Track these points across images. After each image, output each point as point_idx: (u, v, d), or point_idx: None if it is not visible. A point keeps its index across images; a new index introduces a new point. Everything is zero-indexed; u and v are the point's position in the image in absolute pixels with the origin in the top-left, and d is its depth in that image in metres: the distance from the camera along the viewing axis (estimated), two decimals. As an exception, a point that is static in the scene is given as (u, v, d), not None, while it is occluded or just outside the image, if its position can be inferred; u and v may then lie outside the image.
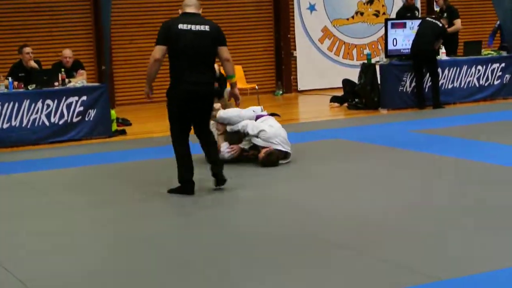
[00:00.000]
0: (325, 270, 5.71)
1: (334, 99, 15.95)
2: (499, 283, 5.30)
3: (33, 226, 7.44)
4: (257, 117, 10.15)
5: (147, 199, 8.39)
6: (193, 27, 8.27)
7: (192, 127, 8.54)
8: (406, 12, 16.70)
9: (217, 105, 10.55)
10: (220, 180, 8.51)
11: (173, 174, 9.51)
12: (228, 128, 10.07)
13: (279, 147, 9.74)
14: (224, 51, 8.38)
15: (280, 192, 8.49)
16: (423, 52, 14.65)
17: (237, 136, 10.05)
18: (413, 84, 14.98)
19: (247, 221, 7.24)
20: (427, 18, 15.15)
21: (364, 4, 19.72)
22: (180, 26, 8.28)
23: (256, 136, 9.77)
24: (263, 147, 9.71)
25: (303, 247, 6.32)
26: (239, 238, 6.67)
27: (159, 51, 8.44)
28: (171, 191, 8.46)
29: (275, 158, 9.70)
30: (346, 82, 15.80)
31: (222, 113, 10.09)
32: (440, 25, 14.83)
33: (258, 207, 7.79)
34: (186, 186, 8.41)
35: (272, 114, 10.42)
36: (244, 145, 9.98)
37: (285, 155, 9.85)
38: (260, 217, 7.34)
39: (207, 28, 8.32)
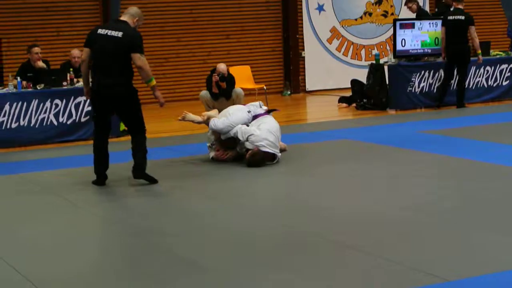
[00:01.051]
0: (332, 269, 5.71)
1: (342, 100, 15.94)
2: (507, 284, 5.28)
3: (41, 225, 7.46)
4: (255, 117, 10.20)
5: (154, 199, 8.40)
6: (109, 33, 8.88)
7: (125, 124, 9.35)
8: (445, 9, 16.45)
9: (208, 113, 10.62)
10: (148, 180, 9.02)
11: (180, 174, 9.54)
12: (222, 136, 10.15)
13: (266, 149, 9.78)
14: (136, 58, 8.82)
15: (287, 191, 8.49)
16: (457, 52, 14.65)
17: (233, 140, 10.07)
18: (422, 84, 14.97)
19: (253, 220, 7.24)
20: (449, 17, 15.05)
21: (372, 4, 19.69)
22: (99, 31, 8.99)
23: (246, 140, 9.86)
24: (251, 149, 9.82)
25: (309, 247, 6.31)
26: (245, 238, 6.67)
27: (84, 52, 9.09)
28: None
29: (259, 158, 9.75)
30: (355, 83, 15.79)
31: (212, 124, 10.13)
32: (463, 17, 14.78)
33: (264, 207, 7.79)
34: (97, 179, 9.08)
35: (271, 110, 10.41)
36: (240, 149, 10.03)
37: (272, 156, 9.87)
38: (266, 217, 7.33)
39: (119, 34, 8.85)
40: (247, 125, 10.06)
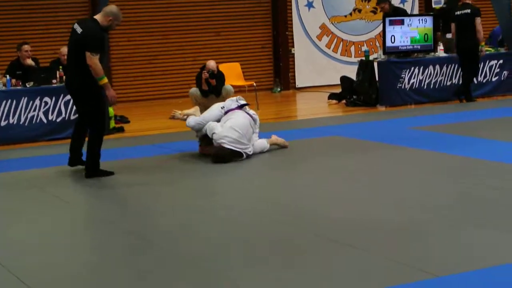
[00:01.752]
0: (326, 267, 5.70)
1: (332, 96, 15.95)
2: (500, 278, 5.29)
3: (32, 223, 7.44)
4: (227, 112, 10.32)
5: (146, 196, 8.39)
6: (76, 28, 9.26)
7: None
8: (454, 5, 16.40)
9: (187, 111, 10.68)
10: (102, 176, 9.37)
11: (170, 170, 9.53)
12: (198, 134, 10.36)
13: (228, 147, 9.85)
14: (86, 56, 9.01)
15: (278, 189, 8.48)
16: (466, 47, 14.74)
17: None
18: (412, 81, 15.00)
19: (247, 218, 7.23)
20: (457, 13, 15.07)
21: (362, 1, 19.71)
22: (74, 25, 9.39)
23: (212, 137, 10.01)
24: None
25: (302, 244, 6.30)
26: (239, 237, 6.66)
27: None
28: None
29: (223, 155, 9.83)
30: (344, 79, 15.80)
31: (187, 122, 10.42)
32: (469, 11, 14.82)
33: (257, 204, 7.78)
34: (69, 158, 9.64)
35: (243, 105, 10.43)
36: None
37: (238, 153, 9.91)
38: (259, 214, 7.32)
39: (79, 30, 9.19)
40: (219, 121, 10.20)
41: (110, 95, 9.31)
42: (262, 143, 10.31)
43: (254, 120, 10.27)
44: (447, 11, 16.14)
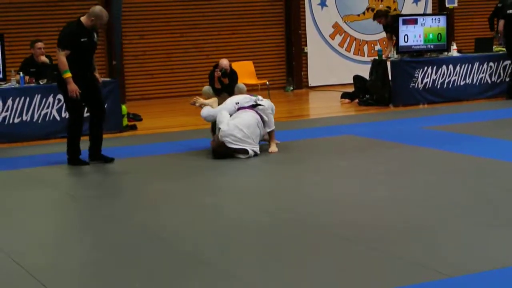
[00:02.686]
0: (335, 264, 5.69)
1: (344, 95, 15.92)
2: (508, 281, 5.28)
3: (43, 220, 7.47)
4: (239, 109, 10.32)
5: (156, 194, 8.40)
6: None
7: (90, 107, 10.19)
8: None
9: (205, 101, 10.72)
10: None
11: (181, 168, 9.55)
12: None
13: (231, 145, 9.89)
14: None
15: (290, 186, 8.47)
16: None
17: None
18: (425, 80, 14.96)
19: (255, 214, 7.22)
20: (509, 11, 15.10)
21: (375, 0, 19.67)
22: None
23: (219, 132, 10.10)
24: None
25: (313, 241, 6.30)
26: (246, 230, 6.66)
27: None
28: None
29: (222, 151, 9.93)
30: (357, 78, 15.77)
31: (201, 112, 10.58)
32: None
33: (266, 201, 7.77)
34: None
35: (256, 105, 10.38)
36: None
37: (243, 150, 9.94)
38: (268, 211, 7.31)
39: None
40: (230, 115, 10.23)
41: (69, 89, 9.77)
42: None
43: (263, 121, 10.22)
44: (501, 9, 16.05)
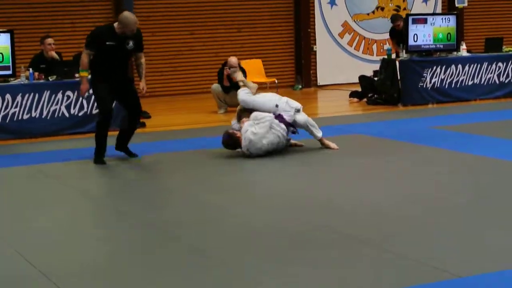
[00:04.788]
0: (343, 264, 5.70)
1: (353, 94, 15.91)
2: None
3: (53, 216, 7.48)
4: (278, 116, 10.06)
5: (166, 191, 8.42)
6: None
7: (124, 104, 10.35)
8: None
9: (247, 82, 10.77)
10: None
11: (191, 166, 9.56)
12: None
13: (245, 150, 9.86)
14: None
15: (298, 185, 8.48)
16: None
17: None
18: (433, 80, 14.95)
19: (263, 213, 7.23)
20: None
21: (384, -1, 19.66)
22: None
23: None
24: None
25: (320, 241, 6.30)
26: (255, 230, 6.66)
27: None
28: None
29: (232, 144, 10.00)
30: (363, 78, 15.77)
31: (239, 93, 10.49)
32: None
33: (274, 200, 7.77)
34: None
35: (286, 121, 10.14)
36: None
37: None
38: (276, 210, 7.32)
39: None
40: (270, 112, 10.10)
41: (80, 88, 10.02)
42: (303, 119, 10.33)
43: (287, 132, 10.12)
44: None
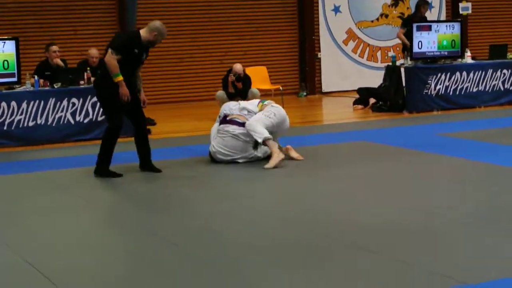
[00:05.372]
0: (346, 273, 5.68)
1: (357, 101, 15.91)
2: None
3: (58, 223, 7.48)
4: (226, 121, 10.22)
5: (170, 199, 8.41)
6: None
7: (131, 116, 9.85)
8: None
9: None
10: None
11: (195, 173, 9.55)
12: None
13: (222, 159, 10.01)
14: (106, 53, 9.38)
15: (302, 193, 8.46)
16: None
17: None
18: (438, 87, 14.95)
19: (265, 222, 7.21)
20: None
21: (389, 6, 19.68)
22: None
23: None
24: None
25: (322, 249, 6.28)
26: (256, 239, 6.65)
27: None
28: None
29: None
30: (361, 91, 15.79)
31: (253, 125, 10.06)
32: None
33: (277, 208, 7.76)
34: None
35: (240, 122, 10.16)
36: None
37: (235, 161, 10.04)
38: (279, 218, 7.30)
39: None
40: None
41: (121, 92, 9.34)
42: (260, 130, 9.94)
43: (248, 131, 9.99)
44: None
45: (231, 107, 10.30)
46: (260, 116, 10.04)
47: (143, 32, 9.55)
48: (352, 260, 5.96)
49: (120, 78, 9.28)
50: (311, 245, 6.42)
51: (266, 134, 9.79)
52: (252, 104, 10.36)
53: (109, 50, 9.28)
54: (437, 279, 5.43)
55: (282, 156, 9.73)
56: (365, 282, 5.47)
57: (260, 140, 9.81)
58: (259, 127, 9.85)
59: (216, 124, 10.33)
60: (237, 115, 10.13)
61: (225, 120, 10.19)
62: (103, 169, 9.55)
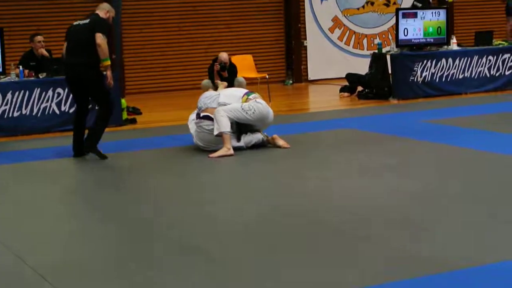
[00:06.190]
0: (339, 259, 5.69)
1: (344, 89, 15.91)
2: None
3: (45, 214, 7.47)
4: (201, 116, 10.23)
5: (156, 188, 8.40)
6: (80, 22, 10.07)
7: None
8: None
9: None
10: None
11: (182, 162, 9.55)
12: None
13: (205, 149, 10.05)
14: (96, 37, 9.67)
15: (290, 181, 8.47)
16: None
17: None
18: (424, 74, 14.96)
19: (257, 210, 7.22)
20: None
21: (374, -7, 19.66)
22: (74, 23, 10.23)
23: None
24: None
25: (313, 236, 6.30)
26: (251, 227, 6.66)
27: None
28: None
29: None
30: (349, 76, 15.79)
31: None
32: None
33: (267, 196, 7.77)
34: (73, 147, 10.06)
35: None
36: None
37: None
38: (270, 206, 7.31)
39: (86, 21, 9.94)
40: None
41: (110, 76, 9.89)
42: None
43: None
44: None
45: (210, 99, 10.19)
46: (236, 107, 10.00)
47: (100, 13, 10.03)
48: (336, 248, 5.96)
49: (109, 62, 9.79)
50: (300, 232, 6.43)
51: (225, 129, 9.78)
52: (235, 96, 10.24)
53: (100, 34, 9.65)
54: (423, 265, 5.44)
55: (230, 152, 9.75)
56: (356, 268, 5.48)
57: (214, 133, 9.85)
58: (223, 119, 9.81)
59: (193, 115, 10.29)
60: (212, 110, 10.04)
61: (199, 115, 10.15)
62: (95, 146, 9.85)
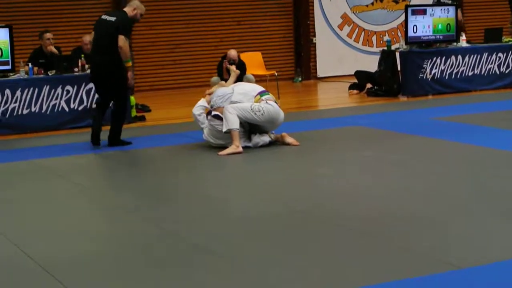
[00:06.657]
0: (344, 256, 5.69)
1: (353, 86, 15.89)
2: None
3: (53, 211, 7.47)
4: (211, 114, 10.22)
5: (165, 186, 8.40)
6: (107, 17, 10.36)
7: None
8: None
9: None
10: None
11: (191, 160, 9.55)
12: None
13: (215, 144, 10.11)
14: (119, 39, 10.10)
15: (300, 178, 8.47)
16: None
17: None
18: (433, 71, 14.93)
19: (265, 206, 7.21)
20: None
21: (384, -10, 19.62)
22: (102, 16, 10.54)
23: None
24: None
25: (321, 232, 6.30)
26: (257, 223, 6.65)
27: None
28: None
29: None
30: (358, 74, 15.77)
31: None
32: None
33: (276, 192, 7.76)
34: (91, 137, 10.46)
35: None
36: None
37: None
38: (278, 202, 7.30)
39: (113, 19, 10.25)
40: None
41: (131, 76, 10.34)
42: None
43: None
44: None
45: (223, 99, 10.13)
46: (246, 107, 9.97)
47: (126, 9, 10.37)
48: (344, 244, 5.96)
49: (130, 63, 10.24)
50: (308, 228, 6.42)
51: (233, 126, 9.76)
52: (248, 95, 10.19)
53: (122, 37, 10.06)
54: (430, 263, 5.43)
55: (239, 150, 9.73)
56: (360, 265, 5.47)
57: (223, 130, 9.83)
58: (232, 117, 9.80)
59: (202, 102, 10.36)
60: (223, 109, 10.00)
61: (210, 113, 10.12)
62: (119, 140, 10.41)
